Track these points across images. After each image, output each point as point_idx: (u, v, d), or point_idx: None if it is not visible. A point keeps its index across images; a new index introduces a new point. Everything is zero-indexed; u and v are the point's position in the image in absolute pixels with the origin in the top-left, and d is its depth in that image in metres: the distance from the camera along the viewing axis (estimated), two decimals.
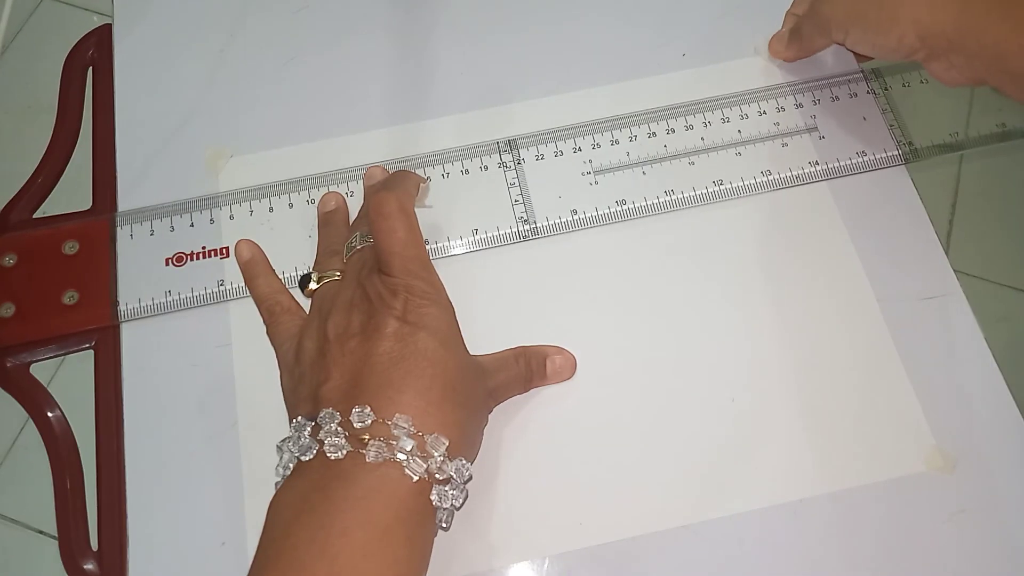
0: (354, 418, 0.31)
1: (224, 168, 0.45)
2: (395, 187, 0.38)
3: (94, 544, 0.38)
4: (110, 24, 0.49)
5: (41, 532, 0.97)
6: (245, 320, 0.41)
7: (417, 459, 0.31)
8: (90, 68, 0.48)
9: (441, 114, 0.46)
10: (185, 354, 0.41)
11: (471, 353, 0.36)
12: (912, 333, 0.40)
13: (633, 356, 0.40)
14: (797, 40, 0.45)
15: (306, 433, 0.32)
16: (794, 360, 0.39)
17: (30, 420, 0.40)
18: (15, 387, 0.41)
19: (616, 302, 0.41)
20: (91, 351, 0.41)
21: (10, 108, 1.19)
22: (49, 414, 0.40)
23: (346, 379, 0.33)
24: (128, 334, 0.41)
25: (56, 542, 0.38)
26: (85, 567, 0.37)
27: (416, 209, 0.37)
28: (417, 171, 0.44)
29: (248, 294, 0.41)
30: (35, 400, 0.41)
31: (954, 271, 0.41)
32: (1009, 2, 0.35)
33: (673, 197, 0.42)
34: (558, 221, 0.42)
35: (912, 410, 0.38)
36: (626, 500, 0.37)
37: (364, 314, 0.34)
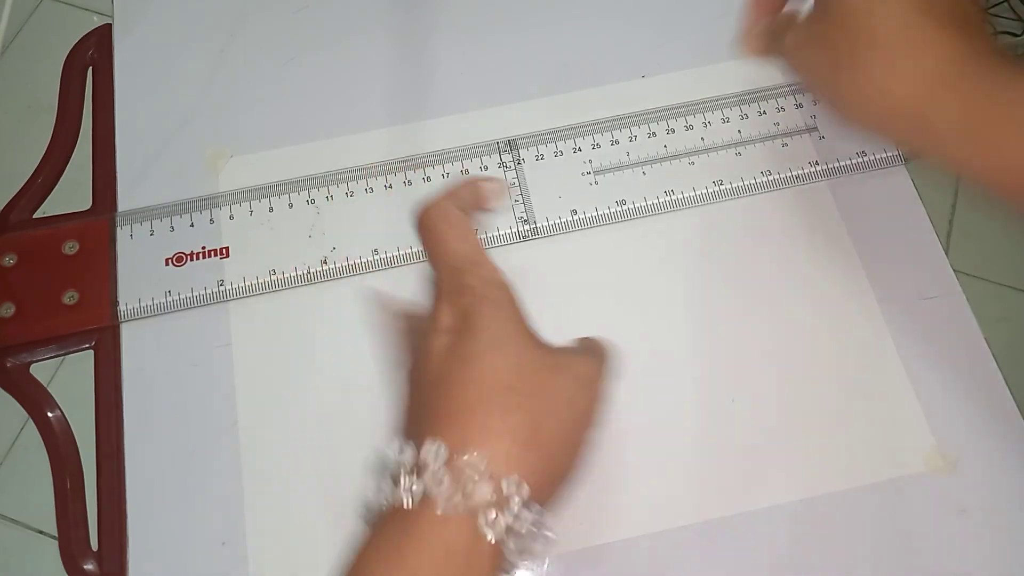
0: (428, 455, 0.28)
1: (224, 168, 0.45)
2: (437, 197, 0.34)
3: (94, 544, 0.38)
4: (110, 24, 0.49)
5: (41, 532, 0.97)
6: (245, 320, 0.41)
7: (490, 511, 0.27)
8: (90, 68, 0.48)
9: (441, 114, 0.46)
10: (185, 354, 0.41)
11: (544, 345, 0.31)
12: (912, 333, 0.40)
13: (633, 356, 0.40)
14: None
15: (388, 475, 0.29)
16: (794, 360, 0.39)
17: (30, 420, 0.40)
18: (15, 387, 0.41)
19: (616, 302, 0.41)
20: (91, 351, 0.41)
21: (10, 108, 1.19)
22: (49, 414, 0.40)
23: (418, 412, 0.30)
24: (128, 334, 0.41)
25: (56, 542, 0.38)
26: (85, 567, 0.37)
27: (487, 211, 0.36)
28: (417, 171, 0.44)
29: (248, 294, 0.41)
30: (35, 400, 0.41)
31: (954, 271, 0.41)
32: (969, 125, 0.30)
33: (673, 197, 0.42)
34: (558, 221, 0.42)
35: (912, 410, 0.38)
36: (627, 500, 0.37)
37: (422, 338, 0.32)
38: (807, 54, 0.35)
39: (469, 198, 0.35)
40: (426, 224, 0.33)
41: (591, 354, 0.33)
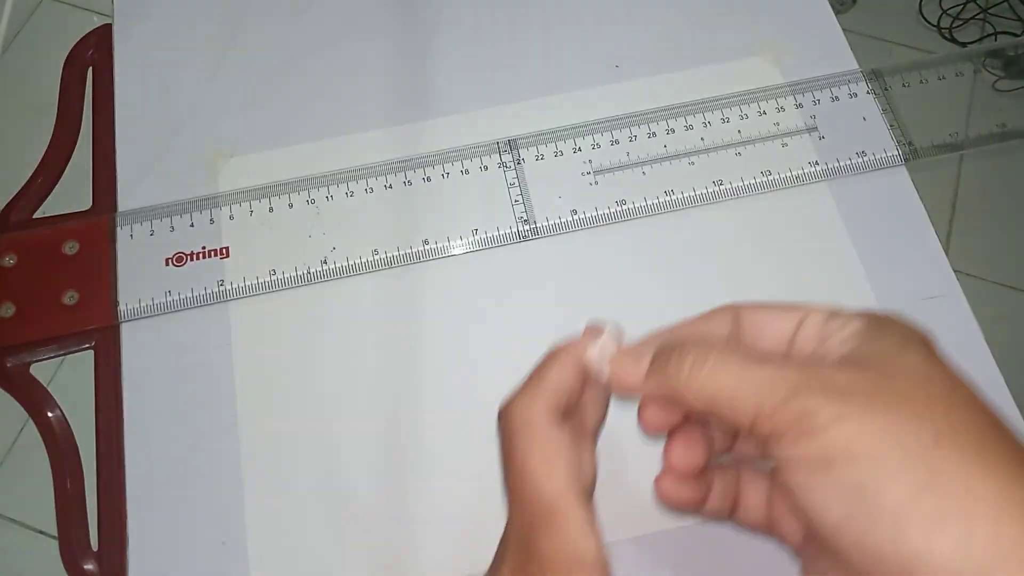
0: None
1: (224, 168, 0.45)
2: (522, 385, 0.25)
3: (94, 544, 0.38)
4: (110, 24, 0.49)
5: (41, 532, 0.97)
6: (245, 320, 0.41)
7: None
8: (90, 68, 0.48)
9: (441, 114, 0.46)
10: (185, 354, 0.41)
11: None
12: None
13: None
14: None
15: None
16: None
17: (30, 420, 0.40)
18: (15, 387, 0.41)
19: (616, 302, 0.41)
20: (91, 351, 0.41)
21: (10, 108, 1.19)
22: (49, 414, 0.40)
23: None
24: (128, 334, 0.41)
25: (56, 542, 0.38)
26: (85, 567, 0.37)
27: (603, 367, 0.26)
28: (417, 171, 0.44)
29: (248, 294, 0.41)
30: (35, 400, 0.41)
31: (954, 271, 0.41)
32: None
33: (673, 197, 0.43)
34: (558, 221, 0.42)
35: None
36: (626, 500, 0.37)
37: None
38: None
39: (565, 382, 0.25)
40: (504, 432, 0.24)
41: None
